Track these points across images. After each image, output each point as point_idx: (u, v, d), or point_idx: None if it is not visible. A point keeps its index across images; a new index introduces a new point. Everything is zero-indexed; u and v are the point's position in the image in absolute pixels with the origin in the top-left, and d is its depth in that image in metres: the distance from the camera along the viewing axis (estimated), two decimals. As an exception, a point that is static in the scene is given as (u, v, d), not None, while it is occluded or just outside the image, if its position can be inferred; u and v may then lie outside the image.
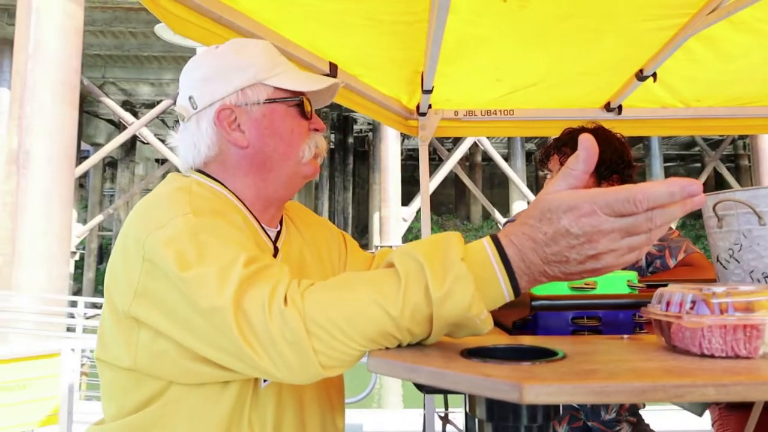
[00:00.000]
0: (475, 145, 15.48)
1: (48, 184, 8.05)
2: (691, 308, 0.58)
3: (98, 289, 18.12)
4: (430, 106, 2.27)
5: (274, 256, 0.92)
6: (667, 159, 20.70)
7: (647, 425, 1.50)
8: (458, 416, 2.63)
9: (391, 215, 14.34)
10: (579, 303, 0.76)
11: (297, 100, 0.91)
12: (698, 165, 21.12)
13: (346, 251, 1.11)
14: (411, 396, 8.08)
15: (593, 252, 0.57)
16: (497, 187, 20.65)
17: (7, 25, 12.88)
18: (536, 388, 0.49)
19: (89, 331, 7.82)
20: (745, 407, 1.46)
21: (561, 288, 0.82)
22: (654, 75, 1.85)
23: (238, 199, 0.90)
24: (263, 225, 0.92)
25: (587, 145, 0.60)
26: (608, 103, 2.18)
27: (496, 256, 0.62)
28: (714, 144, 18.31)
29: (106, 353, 0.82)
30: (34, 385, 2.35)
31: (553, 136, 1.62)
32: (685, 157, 21.87)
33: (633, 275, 0.85)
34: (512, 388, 0.49)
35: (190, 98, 0.91)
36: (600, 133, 1.47)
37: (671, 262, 1.43)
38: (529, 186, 15.87)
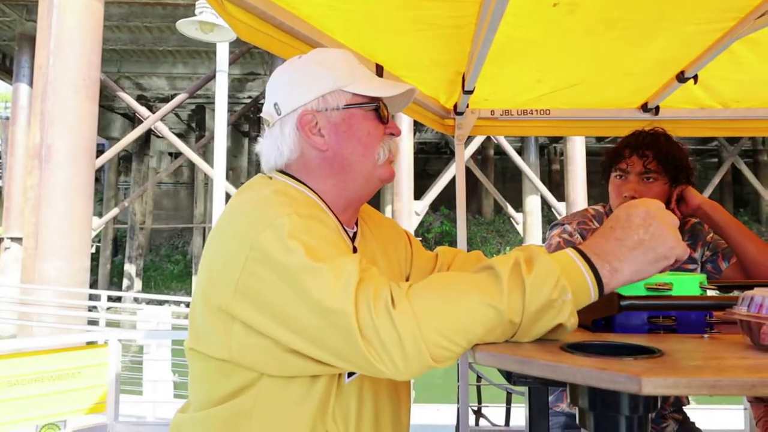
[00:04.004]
0: (487, 139, 15.47)
1: (69, 178, 8.17)
2: (783, 310, 0.63)
3: (113, 281, 18.35)
4: (467, 106, 2.31)
5: None
6: (681, 154, 20.47)
7: (693, 423, 1.55)
8: (491, 410, 2.70)
9: (404, 209, 14.36)
10: (669, 303, 0.81)
11: (374, 105, 0.95)
12: (715, 160, 20.91)
13: (411, 251, 1.16)
14: (422, 392, 8.16)
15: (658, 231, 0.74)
16: (510, 181, 20.61)
17: (26, 21, 13.02)
18: (654, 381, 0.54)
19: (110, 324, 7.96)
20: None
21: (637, 289, 0.87)
22: (695, 77, 1.88)
23: (321, 200, 0.94)
24: (344, 225, 0.97)
25: None
26: (645, 104, 2.21)
27: (572, 251, 0.75)
28: (732, 139, 18.12)
29: (198, 343, 0.86)
30: (82, 373, 2.44)
31: (588, 136, 1.64)
32: (702, 152, 21.66)
33: (704, 278, 0.90)
34: (631, 381, 0.54)
35: (275, 105, 0.96)
36: (669, 138, 1.51)
37: (723, 265, 1.48)
38: (542, 180, 15.82)
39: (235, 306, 0.78)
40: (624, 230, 0.74)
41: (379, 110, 0.96)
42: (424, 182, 16.92)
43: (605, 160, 1.58)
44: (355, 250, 0.98)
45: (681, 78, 1.91)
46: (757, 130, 2.25)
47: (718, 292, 0.91)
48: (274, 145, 0.96)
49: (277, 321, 0.75)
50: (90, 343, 2.70)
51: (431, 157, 22.27)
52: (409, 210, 14.41)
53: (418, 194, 14.82)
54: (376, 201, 19.14)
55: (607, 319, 0.87)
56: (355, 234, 1.01)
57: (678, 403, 1.52)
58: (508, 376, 0.80)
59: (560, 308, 0.70)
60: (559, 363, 0.61)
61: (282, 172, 0.97)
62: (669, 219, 0.75)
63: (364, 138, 0.95)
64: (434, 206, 17.55)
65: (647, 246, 0.73)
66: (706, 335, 0.79)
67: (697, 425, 1.55)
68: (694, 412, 1.64)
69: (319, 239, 0.77)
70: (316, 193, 0.94)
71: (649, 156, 1.47)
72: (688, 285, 0.87)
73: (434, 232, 19.74)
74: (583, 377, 0.58)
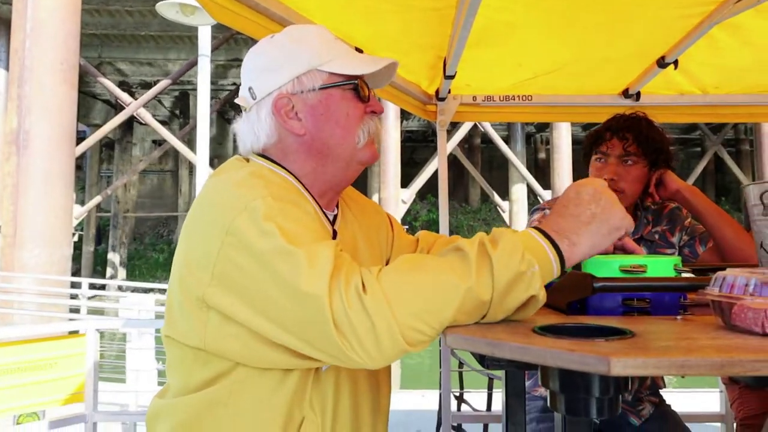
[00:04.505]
0: (474, 127, 15.49)
1: (49, 164, 8.02)
2: (754, 291, 0.63)
3: (97, 270, 18.13)
4: (449, 92, 2.29)
5: (333, 239, 0.95)
6: (665, 143, 20.67)
7: (669, 405, 1.57)
8: (473, 396, 2.71)
9: (390, 197, 14.33)
10: (642, 285, 0.81)
11: (352, 84, 0.92)
12: (698, 149, 21.13)
13: (393, 235, 1.14)
14: (409, 379, 8.21)
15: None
16: (496, 170, 20.65)
17: (2, 3, 12.68)
18: (623, 361, 0.53)
19: (92, 312, 7.88)
20: (765, 386, 1.52)
21: (612, 271, 0.87)
22: (675, 62, 1.88)
23: (301, 183, 0.92)
24: (323, 209, 0.95)
25: None
26: (626, 90, 2.21)
27: (531, 229, 0.77)
28: (715, 128, 18.32)
29: (173, 331, 0.85)
30: (59, 363, 2.40)
31: (570, 122, 1.64)
32: (686, 141, 21.87)
33: (678, 260, 0.89)
34: (599, 362, 0.54)
35: (249, 89, 0.93)
36: (650, 122, 1.51)
37: (700, 250, 1.49)
38: (529, 168, 15.90)
39: (211, 293, 0.77)
40: (577, 207, 0.78)
41: (358, 89, 0.92)
42: (411, 170, 16.87)
43: (586, 143, 1.58)
44: (335, 233, 0.96)
45: (661, 63, 1.90)
46: (736, 116, 2.26)
47: (692, 275, 0.91)
48: (251, 129, 0.93)
49: (253, 307, 0.73)
50: (72, 333, 2.65)
51: (418, 145, 22.22)
52: (395, 198, 14.39)
53: (405, 182, 14.80)
54: (363, 189, 19.06)
55: (582, 303, 0.87)
56: (335, 217, 0.99)
57: (654, 387, 1.54)
58: (482, 359, 0.79)
59: (530, 280, 0.70)
60: (529, 345, 0.60)
61: (260, 155, 0.94)
62: (613, 195, 0.80)
63: (343, 120, 0.92)
64: (421, 194, 17.54)
65: (600, 219, 0.77)
66: (679, 317, 0.79)
67: (674, 408, 1.57)
68: (671, 395, 1.66)
69: (294, 223, 0.75)
70: (295, 177, 0.92)
71: (630, 139, 1.47)
72: (663, 267, 0.86)
73: (421, 221, 19.76)
74: (553, 359, 0.58)
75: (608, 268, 0.86)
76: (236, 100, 0.96)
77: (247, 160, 0.93)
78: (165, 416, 0.87)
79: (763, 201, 0.84)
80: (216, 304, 0.77)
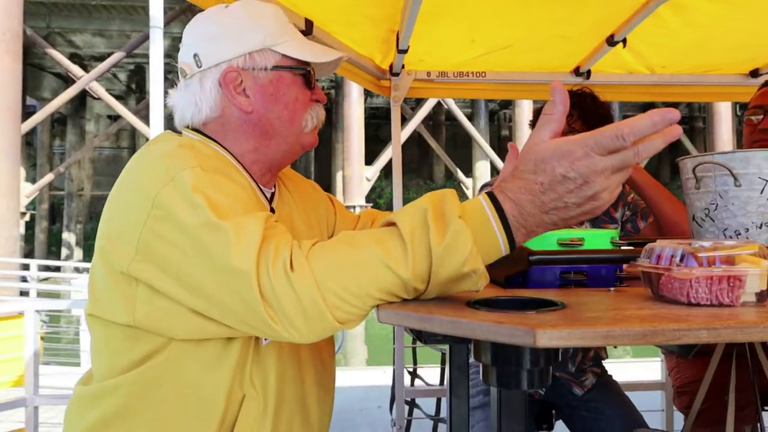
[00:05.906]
0: (438, 105, 15.51)
1: (-7, 140, 7.63)
2: (680, 261, 0.64)
3: (51, 251, 17.50)
4: (403, 66, 2.26)
5: None
6: (623, 121, 21.16)
7: (610, 375, 1.62)
8: (427, 371, 2.75)
9: (354, 174, 14.28)
10: (576, 257, 0.81)
11: (303, 70, 0.91)
12: (653, 127, 21.66)
13: (334, 213, 1.13)
14: (375, 356, 8.30)
15: (591, 192, 0.60)
16: (460, 147, 20.76)
17: (-64, -34, 11.83)
18: (548, 333, 0.53)
19: (43, 294, 7.60)
20: (700, 356, 1.58)
21: (549, 244, 0.87)
22: (624, 40, 1.90)
23: (237, 160, 0.90)
24: (260, 186, 0.93)
25: (559, 88, 0.64)
26: (577, 68, 2.22)
27: (492, 211, 0.64)
28: (670, 106, 18.77)
29: (98, 309, 0.82)
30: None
31: (523, 99, 1.64)
32: (640, 120, 22.38)
33: (615, 233, 0.90)
34: (526, 334, 0.53)
35: (194, 55, 0.89)
36: (595, 98, 1.51)
37: (642, 224, 1.53)
38: (492, 146, 16.04)
39: (136, 267, 0.74)
40: (553, 194, 0.61)
41: (308, 76, 0.92)
42: (376, 147, 16.79)
43: (534, 118, 1.58)
44: (272, 211, 0.94)
45: (611, 41, 1.92)
46: (682, 95, 2.32)
47: (629, 248, 0.92)
48: (192, 100, 0.89)
49: (179, 282, 0.71)
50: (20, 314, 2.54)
51: (383, 122, 22.08)
52: (359, 175, 14.34)
53: (370, 160, 14.75)
54: (328, 166, 18.90)
55: (523, 276, 0.87)
56: (273, 195, 0.97)
57: (597, 358, 1.58)
58: (419, 334, 0.78)
59: (472, 280, 0.65)
60: (459, 319, 0.59)
61: (195, 130, 0.91)
62: (604, 185, 0.61)
63: (292, 104, 0.91)
64: (386, 172, 17.53)
65: (571, 211, 0.62)
66: (612, 289, 0.80)
67: (617, 377, 1.62)
68: (615, 364, 1.72)
69: (223, 194, 0.72)
70: (230, 153, 0.90)
71: (575, 115, 1.48)
72: (600, 240, 0.87)
73: (386, 198, 19.80)
74: (483, 332, 0.57)
75: (546, 241, 0.86)
76: (178, 64, 0.92)
77: (180, 135, 0.90)
78: (91, 404, 0.83)
79: (695, 174, 0.85)
80: (143, 278, 0.74)
